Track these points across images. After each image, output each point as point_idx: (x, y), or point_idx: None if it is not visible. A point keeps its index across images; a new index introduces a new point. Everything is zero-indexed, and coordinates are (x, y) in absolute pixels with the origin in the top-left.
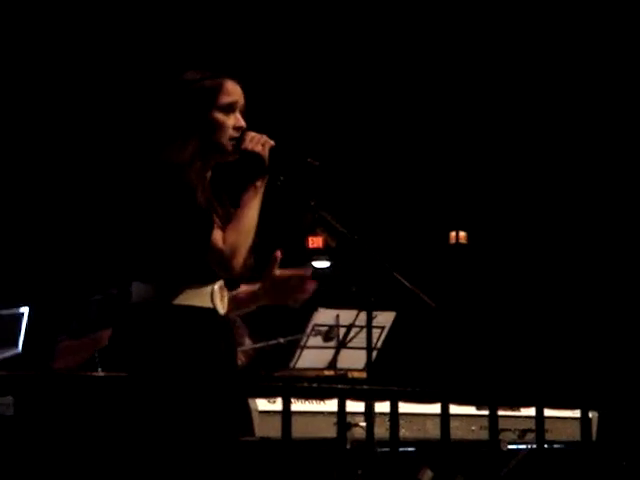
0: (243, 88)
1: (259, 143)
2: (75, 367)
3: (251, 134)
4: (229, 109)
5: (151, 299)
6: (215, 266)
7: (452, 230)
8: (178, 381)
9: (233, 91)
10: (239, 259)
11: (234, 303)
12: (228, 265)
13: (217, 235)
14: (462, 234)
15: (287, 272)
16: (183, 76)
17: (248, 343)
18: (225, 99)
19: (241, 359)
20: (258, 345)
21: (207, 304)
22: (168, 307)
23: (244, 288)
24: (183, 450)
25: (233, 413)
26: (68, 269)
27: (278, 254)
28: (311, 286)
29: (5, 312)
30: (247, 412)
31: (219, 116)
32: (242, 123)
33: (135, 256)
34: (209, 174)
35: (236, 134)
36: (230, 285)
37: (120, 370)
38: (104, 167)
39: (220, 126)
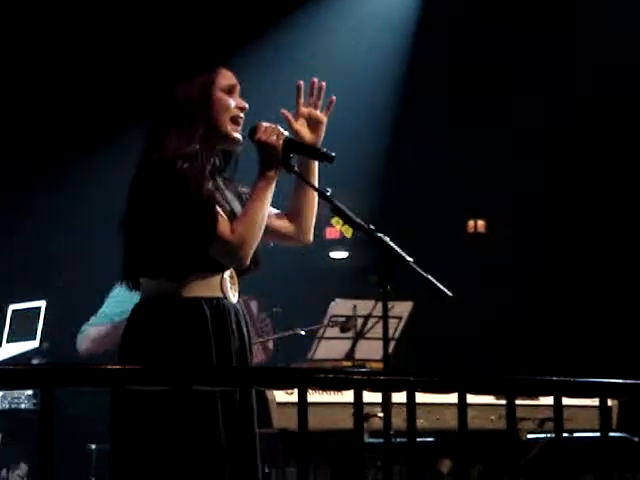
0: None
1: (273, 134)
2: (100, 354)
3: (264, 125)
4: (229, 90)
5: (161, 294)
6: (223, 257)
7: (470, 219)
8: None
9: (230, 76)
10: (248, 250)
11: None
12: (236, 255)
13: (223, 226)
14: (480, 223)
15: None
16: (181, 66)
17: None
18: (224, 81)
19: (261, 356)
20: (276, 336)
21: (217, 294)
22: (178, 301)
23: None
24: (196, 442)
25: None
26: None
27: (301, 83)
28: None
29: (23, 306)
30: (260, 403)
31: (221, 95)
32: (244, 104)
33: (142, 253)
34: (215, 162)
35: (239, 113)
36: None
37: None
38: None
39: (222, 105)
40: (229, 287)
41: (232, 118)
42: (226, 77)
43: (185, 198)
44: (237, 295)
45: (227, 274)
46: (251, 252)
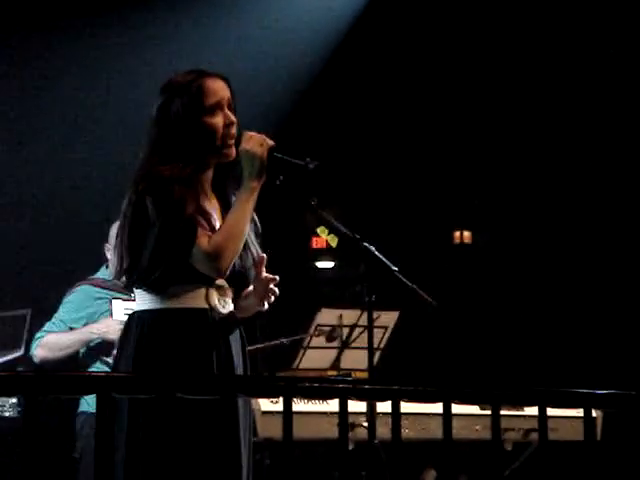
0: (227, 81)
1: (258, 143)
2: (58, 359)
3: (249, 134)
4: (216, 109)
5: (147, 305)
6: (202, 267)
7: (456, 230)
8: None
9: (216, 89)
10: (225, 260)
11: (243, 306)
12: (213, 266)
13: (202, 238)
14: (466, 234)
15: (269, 275)
16: (166, 84)
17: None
18: (209, 100)
19: None
20: (261, 345)
21: (202, 305)
22: (163, 312)
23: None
24: (182, 452)
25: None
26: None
27: (264, 256)
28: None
29: (8, 314)
30: (237, 413)
31: (207, 120)
32: (232, 118)
33: (128, 264)
34: (210, 175)
35: (229, 131)
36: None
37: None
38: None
39: (211, 129)
40: (216, 299)
41: (222, 137)
42: (211, 93)
43: (165, 214)
44: (229, 306)
45: (215, 285)
46: (229, 261)
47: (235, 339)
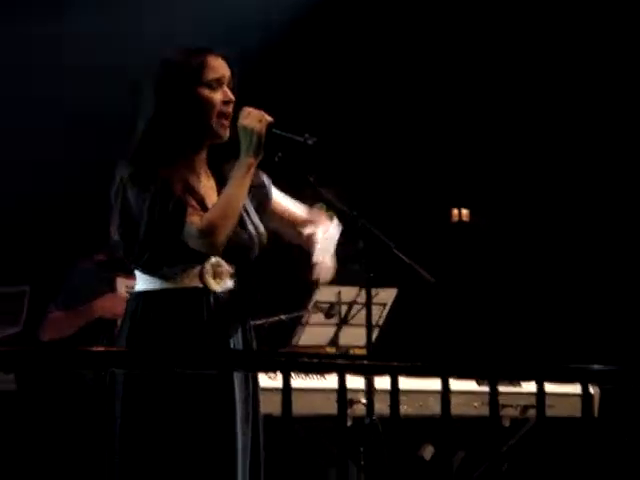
0: (229, 62)
1: (256, 119)
2: (64, 339)
3: (248, 110)
4: (215, 85)
5: (143, 286)
6: (195, 245)
7: (454, 207)
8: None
9: (217, 66)
10: (219, 236)
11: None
12: (206, 243)
13: (194, 217)
14: (464, 212)
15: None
16: (165, 57)
17: None
18: (210, 75)
19: None
20: (260, 322)
21: (196, 284)
22: (157, 292)
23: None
24: (178, 429)
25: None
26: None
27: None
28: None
29: (7, 290)
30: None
31: (205, 92)
32: (231, 96)
33: (127, 247)
34: (203, 155)
35: (226, 108)
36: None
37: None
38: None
39: (206, 102)
40: (211, 277)
41: (219, 114)
42: (213, 69)
43: (153, 195)
44: (226, 284)
45: (210, 263)
46: (223, 237)
47: (232, 318)
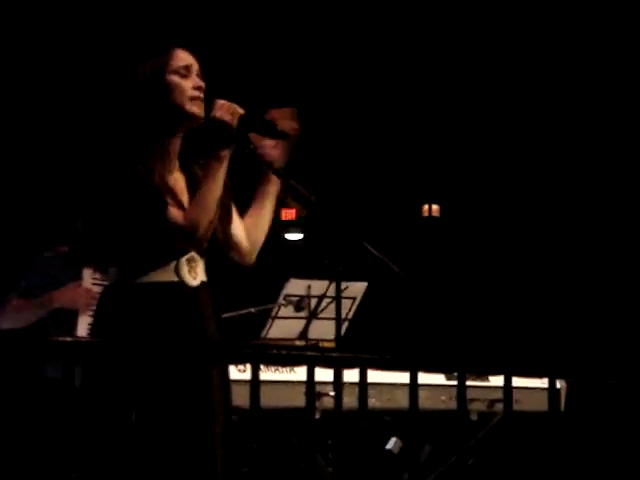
0: (199, 56)
1: (228, 112)
2: (22, 328)
3: (220, 102)
4: (184, 72)
5: (118, 280)
6: (179, 242)
7: (425, 203)
8: (144, 354)
9: (185, 57)
10: (202, 232)
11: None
12: (191, 239)
13: (174, 212)
14: (435, 207)
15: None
16: (136, 51)
17: None
18: (177, 63)
19: None
20: (229, 314)
21: (172, 278)
22: (133, 286)
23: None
24: (152, 421)
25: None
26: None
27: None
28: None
29: None
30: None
31: (174, 78)
32: (200, 83)
33: (101, 241)
34: (177, 145)
35: (197, 93)
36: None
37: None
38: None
39: (176, 87)
40: (186, 271)
41: (190, 98)
42: (180, 58)
43: (134, 191)
44: (200, 278)
45: (185, 258)
46: (205, 232)
47: (207, 311)
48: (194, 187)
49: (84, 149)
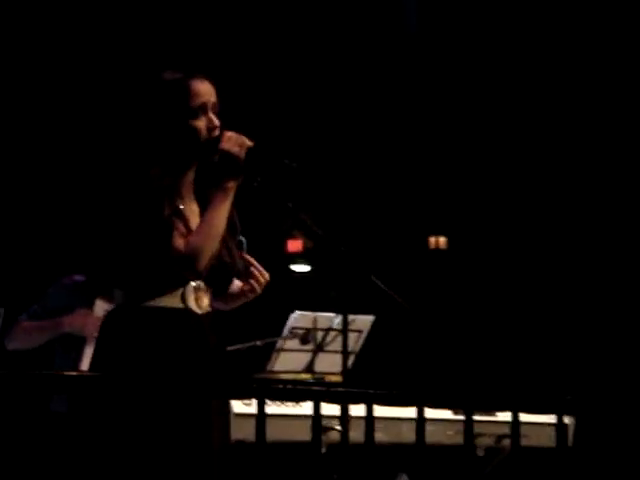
0: (215, 84)
1: (236, 144)
2: (29, 348)
3: (228, 134)
4: (200, 111)
5: (124, 304)
6: (179, 270)
7: (431, 235)
8: (146, 382)
9: (202, 91)
10: (202, 262)
11: (229, 299)
12: (190, 268)
13: (179, 241)
14: (442, 240)
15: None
16: (151, 81)
17: None
18: (194, 102)
19: None
20: (234, 347)
21: (178, 305)
22: (138, 310)
23: (237, 283)
24: (152, 452)
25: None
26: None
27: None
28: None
29: None
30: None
31: (191, 123)
32: (215, 122)
33: (108, 265)
34: (190, 177)
35: (211, 134)
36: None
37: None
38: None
39: (193, 132)
40: (193, 299)
41: (204, 140)
42: (197, 96)
43: (140, 217)
44: (206, 306)
45: (192, 285)
46: (205, 262)
47: (212, 340)
48: None
49: (99, 171)
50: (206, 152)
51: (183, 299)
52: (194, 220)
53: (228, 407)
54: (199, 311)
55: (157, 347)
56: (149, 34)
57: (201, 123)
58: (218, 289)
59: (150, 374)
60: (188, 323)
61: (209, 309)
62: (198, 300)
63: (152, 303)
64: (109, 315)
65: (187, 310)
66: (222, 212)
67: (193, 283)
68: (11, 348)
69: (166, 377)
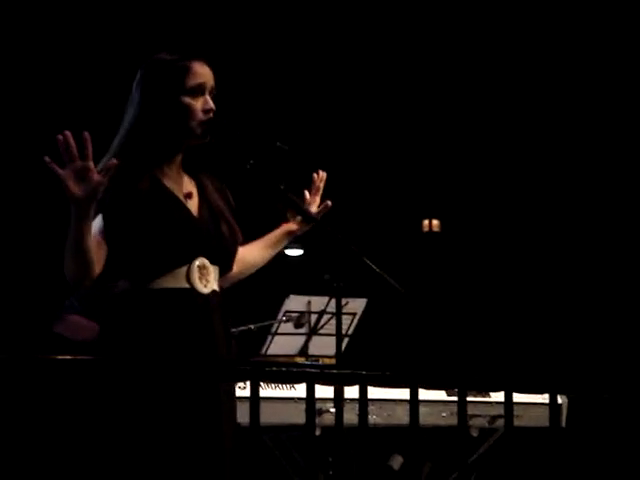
0: (214, 69)
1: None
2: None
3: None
4: (197, 92)
5: (127, 288)
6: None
7: (425, 218)
8: (149, 365)
9: (201, 73)
10: (69, 277)
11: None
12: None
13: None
14: (435, 222)
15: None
16: (150, 60)
17: None
18: (192, 81)
19: None
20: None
21: (183, 284)
22: (142, 292)
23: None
24: (156, 436)
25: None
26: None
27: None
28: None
29: None
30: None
31: (187, 100)
32: (211, 105)
33: (113, 255)
34: (179, 157)
35: (206, 116)
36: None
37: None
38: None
39: (188, 110)
40: (197, 278)
41: (199, 122)
42: (196, 75)
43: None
44: (211, 285)
45: (196, 265)
46: (74, 279)
47: (217, 319)
48: (204, 195)
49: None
50: (199, 133)
51: (188, 278)
52: (186, 197)
53: (234, 390)
54: (205, 290)
55: (161, 330)
56: (148, 28)
57: (197, 103)
58: (223, 266)
59: (154, 357)
60: (193, 303)
61: (215, 287)
62: (202, 278)
63: (156, 285)
64: (111, 300)
65: (192, 289)
66: (70, 233)
67: (197, 262)
68: (66, 334)
69: (170, 359)
